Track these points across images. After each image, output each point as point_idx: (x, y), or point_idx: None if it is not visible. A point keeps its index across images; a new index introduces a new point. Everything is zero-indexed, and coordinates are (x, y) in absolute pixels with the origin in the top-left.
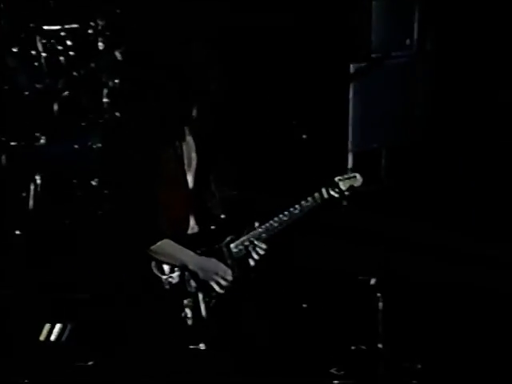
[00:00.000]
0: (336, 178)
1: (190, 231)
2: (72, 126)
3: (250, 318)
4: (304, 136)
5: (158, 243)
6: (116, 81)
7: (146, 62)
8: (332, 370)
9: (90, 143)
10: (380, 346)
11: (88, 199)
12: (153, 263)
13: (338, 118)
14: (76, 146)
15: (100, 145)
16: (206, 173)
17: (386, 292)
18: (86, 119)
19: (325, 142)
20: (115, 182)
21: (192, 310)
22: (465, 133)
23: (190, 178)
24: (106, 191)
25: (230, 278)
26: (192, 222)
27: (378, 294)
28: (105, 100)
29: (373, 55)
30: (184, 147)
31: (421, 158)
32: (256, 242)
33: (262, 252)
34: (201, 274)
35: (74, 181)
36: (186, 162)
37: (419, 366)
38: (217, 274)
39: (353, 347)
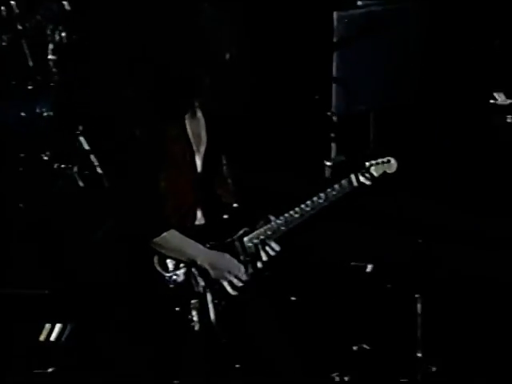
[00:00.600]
0: (367, 163)
1: (197, 222)
2: (17, 90)
3: (264, 324)
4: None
5: (163, 234)
6: (63, 34)
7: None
8: (334, 375)
9: (39, 110)
10: (419, 354)
11: (39, 176)
12: (155, 258)
13: (320, 76)
14: (23, 114)
15: (51, 113)
16: (217, 155)
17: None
18: (34, 81)
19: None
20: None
21: (199, 312)
22: (449, 92)
23: (198, 161)
24: (56, 165)
25: (244, 277)
26: (199, 211)
27: (417, 295)
28: (50, 57)
29: (359, 2)
30: (192, 124)
31: (412, 122)
32: (268, 242)
33: (272, 253)
34: (212, 272)
35: (22, 155)
36: (194, 141)
37: (434, 369)
38: (230, 272)
39: (355, 347)
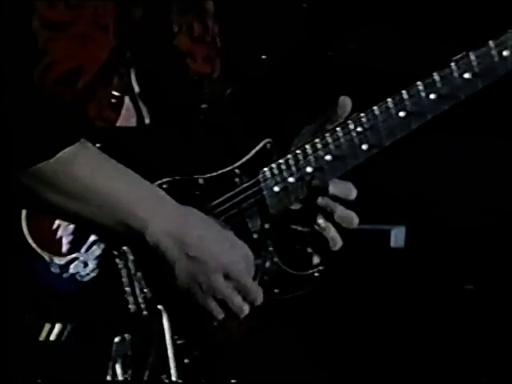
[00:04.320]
0: None
1: (121, 120)
2: None
3: None
4: None
5: (64, 154)
6: None
7: None
8: None
9: None
10: None
11: None
12: (23, 221)
13: None
14: None
15: None
16: None
17: None
18: None
19: None
20: None
21: (135, 364)
22: None
23: None
24: None
25: (258, 296)
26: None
27: None
28: None
29: None
30: None
31: None
32: (328, 179)
33: (342, 214)
34: (183, 268)
35: None
36: None
37: None
38: (231, 276)
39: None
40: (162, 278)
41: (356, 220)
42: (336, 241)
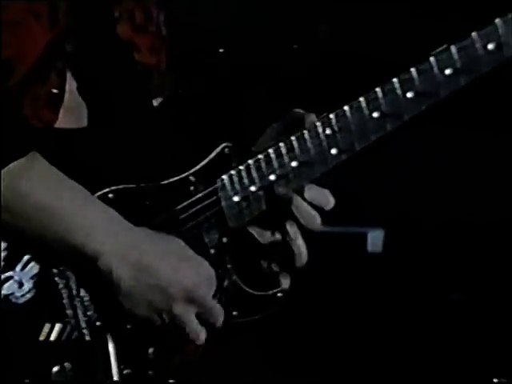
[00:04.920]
0: None
1: (63, 122)
2: None
3: None
4: None
5: (12, 167)
6: None
7: None
8: None
9: None
10: None
11: None
12: None
13: None
14: None
15: None
16: None
17: None
18: None
19: None
20: None
21: None
22: None
23: None
24: None
25: (220, 319)
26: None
27: None
28: None
29: None
30: None
31: None
32: (309, 188)
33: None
34: (141, 297)
35: None
36: None
37: None
38: (195, 297)
39: None
40: (115, 306)
41: (318, 221)
42: (302, 254)
